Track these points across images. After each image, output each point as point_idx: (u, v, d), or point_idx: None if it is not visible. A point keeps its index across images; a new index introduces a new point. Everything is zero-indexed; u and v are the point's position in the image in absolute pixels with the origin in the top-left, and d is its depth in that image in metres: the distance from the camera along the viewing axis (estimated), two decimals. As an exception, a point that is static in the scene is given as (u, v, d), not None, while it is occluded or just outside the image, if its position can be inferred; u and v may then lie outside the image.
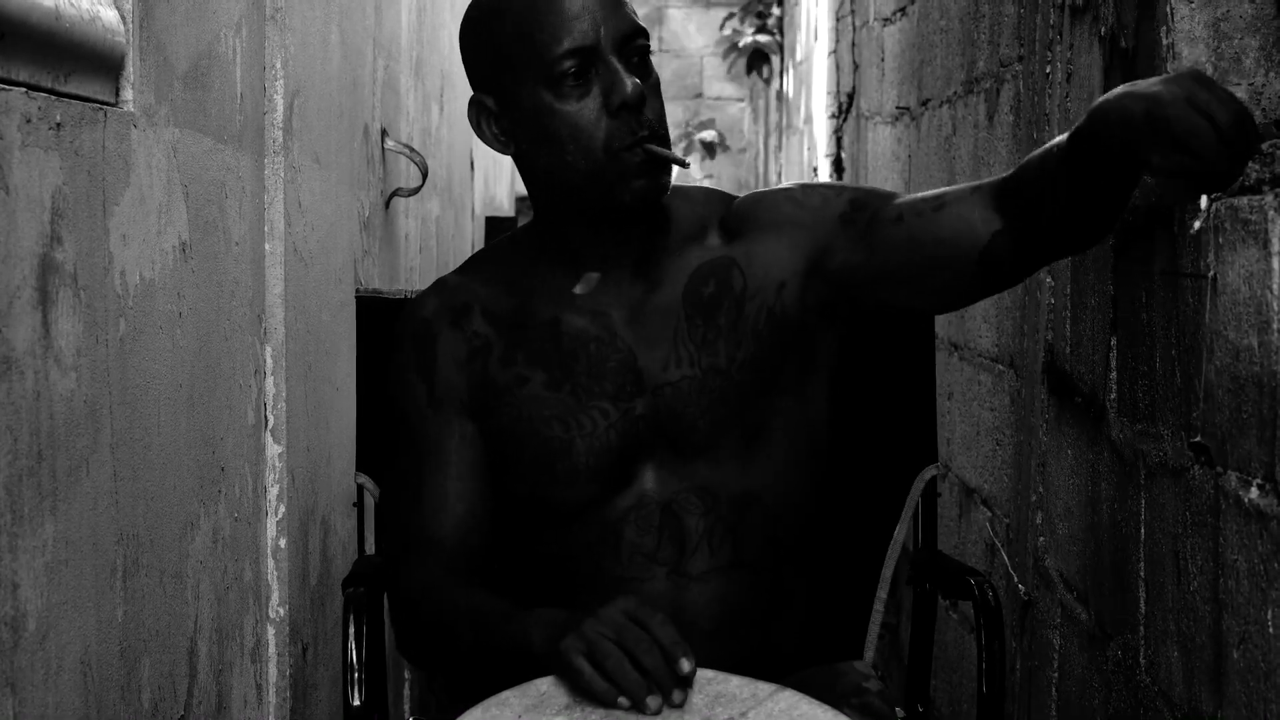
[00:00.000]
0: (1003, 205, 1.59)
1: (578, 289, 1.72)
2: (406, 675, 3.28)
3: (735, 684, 1.52)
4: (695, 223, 1.75)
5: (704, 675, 1.52)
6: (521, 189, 10.04)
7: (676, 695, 1.44)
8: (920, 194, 1.67)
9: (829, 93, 6.29)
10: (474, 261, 1.81)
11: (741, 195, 1.80)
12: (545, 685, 1.52)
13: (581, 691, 1.47)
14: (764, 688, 1.52)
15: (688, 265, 1.72)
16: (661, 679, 1.44)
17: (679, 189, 1.79)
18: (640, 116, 1.63)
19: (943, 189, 1.66)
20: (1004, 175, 1.62)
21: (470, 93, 1.73)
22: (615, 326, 1.71)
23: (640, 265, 1.72)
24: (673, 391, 1.69)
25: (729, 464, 1.69)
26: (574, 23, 1.62)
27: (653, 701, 1.43)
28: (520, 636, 1.55)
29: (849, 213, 1.70)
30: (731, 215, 1.75)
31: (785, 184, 1.78)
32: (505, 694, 1.51)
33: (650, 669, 1.44)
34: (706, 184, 1.78)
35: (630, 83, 1.61)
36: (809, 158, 7.68)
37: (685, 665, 1.45)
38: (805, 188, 1.75)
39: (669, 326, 1.70)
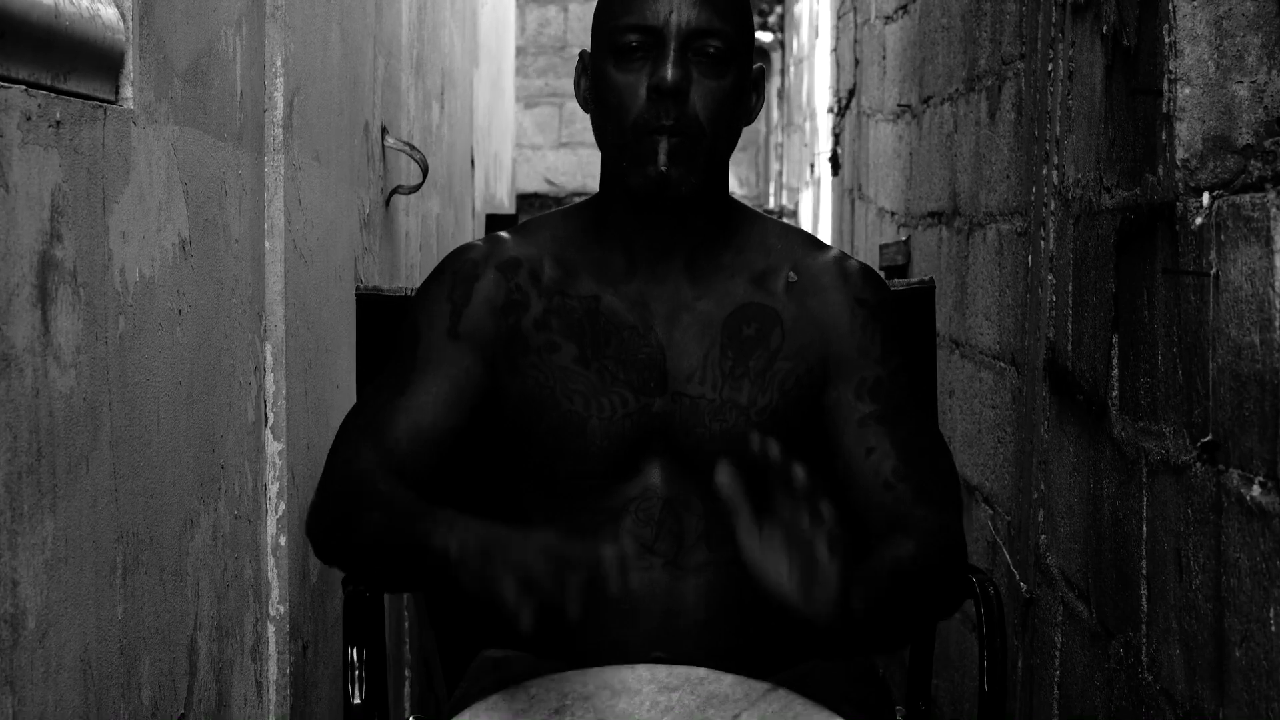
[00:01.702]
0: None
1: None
2: (407, 674, 3.28)
3: (728, 683, 1.51)
4: (763, 254, 1.77)
5: (696, 674, 1.52)
6: (522, 186, 10.05)
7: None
8: (890, 462, 1.69)
9: (829, 90, 6.29)
10: (528, 226, 1.83)
11: (825, 248, 1.80)
12: (535, 688, 1.52)
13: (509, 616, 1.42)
14: (757, 687, 1.51)
15: (737, 294, 1.74)
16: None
17: (760, 216, 1.83)
18: (675, 108, 1.64)
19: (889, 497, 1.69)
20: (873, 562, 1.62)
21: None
22: (652, 321, 1.73)
23: (691, 268, 1.74)
24: (690, 405, 1.70)
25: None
26: (650, 3, 1.66)
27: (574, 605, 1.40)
28: (426, 539, 1.51)
29: (865, 381, 1.73)
30: (804, 269, 1.77)
31: (867, 278, 1.78)
32: (494, 698, 1.52)
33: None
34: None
35: (672, 71, 1.64)
36: (808, 154, 7.68)
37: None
38: (875, 313, 1.75)
39: (703, 343, 1.72)
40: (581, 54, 1.77)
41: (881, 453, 1.69)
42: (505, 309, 1.75)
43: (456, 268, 1.78)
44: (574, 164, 11.21)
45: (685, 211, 1.72)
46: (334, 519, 1.67)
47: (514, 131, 8.91)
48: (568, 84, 10.99)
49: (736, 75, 1.69)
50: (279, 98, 2.38)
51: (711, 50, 1.66)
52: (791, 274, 1.76)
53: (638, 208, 1.71)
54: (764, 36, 10.05)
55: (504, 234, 1.81)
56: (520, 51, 10.34)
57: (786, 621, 1.46)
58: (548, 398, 1.71)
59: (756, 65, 1.75)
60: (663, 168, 1.65)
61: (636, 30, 1.66)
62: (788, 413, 1.71)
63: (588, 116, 1.75)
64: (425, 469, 1.70)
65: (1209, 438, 1.52)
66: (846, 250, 5.34)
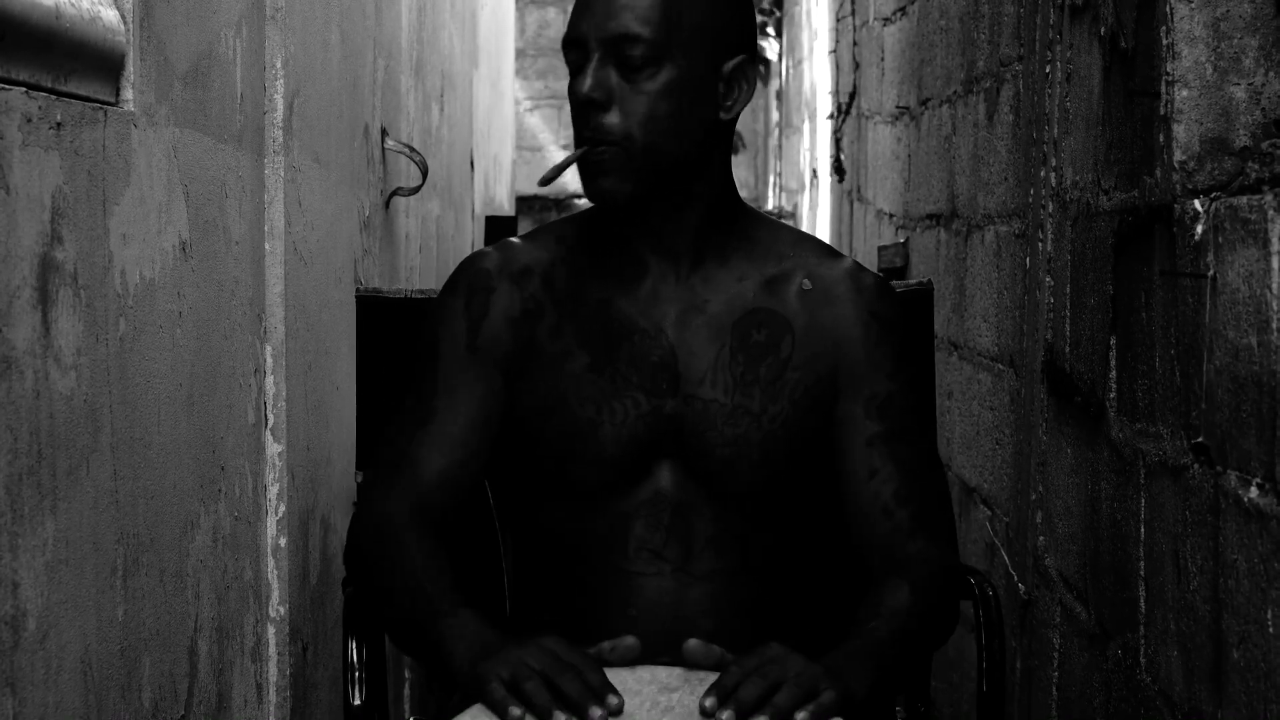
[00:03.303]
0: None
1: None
2: (407, 675, 3.28)
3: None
4: (775, 260, 1.76)
5: (696, 675, 1.52)
6: (521, 189, 10.04)
7: (594, 711, 1.42)
8: (892, 488, 1.70)
9: (829, 93, 6.29)
10: (540, 232, 1.83)
11: (839, 257, 1.80)
12: None
13: (494, 709, 1.45)
14: None
15: (746, 299, 1.73)
16: (581, 703, 1.43)
17: (773, 221, 1.83)
18: (592, 118, 1.65)
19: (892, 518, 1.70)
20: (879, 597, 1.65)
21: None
22: (663, 324, 1.72)
23: (700, 270, 1.73)
24: (702, 408, 1.70)
25: (743, 483, 1.71)
26: (577, 17, 1.68)
27: (559, 716, 1.41)
28: (442, 644, 1.55)
29: (875, 397, 1.72)
30: (818, 278, 1.76)
31: (881, 291, 1.78)
32: None
33: (570, 695, 1.43)
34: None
35: (585, 83, 1.65)
36: (808, 158, 7.68)
37: (612, 701, 1.44)
38: (889, 328, 1.75)
39: (714, 346, 1.71)
40: None
41: (884, 476, 1.70)
42: (521, 320, 1.74)
43: (470, 279, 1.77)
44: (574, 167, 11.21)
45: (659, 218, 1.71)
46: (365, 573, 1.70)
47: (514, 133, 8.91)
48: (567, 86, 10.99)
49: (677, 74, 1.66)
50: (279, 100, 2.38)
51: (634, 56, 1.65)
52: (806, 282, 1.75)
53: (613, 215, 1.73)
54: (761, 40, 10.04)
55: (515, 240, 1.81)
56: (519, 53, 10.34)
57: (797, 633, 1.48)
58: (559, 404, 1.70)
59: (737, 57, 1.71)
60: (592, 178, 1.67)
61: (570, 46, 1.68)
62: (799, 422, 1.71)
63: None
64: (457, 499, 1.72)
65: (1199, 439, 1.52)
66: (845, 252, 5.34)
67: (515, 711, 1.42)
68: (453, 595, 1.60)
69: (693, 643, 1.52)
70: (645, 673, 1.54)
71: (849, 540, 1.72)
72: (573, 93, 1.66)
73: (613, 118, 1.65)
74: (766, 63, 9.91)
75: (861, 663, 1.54)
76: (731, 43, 1.71)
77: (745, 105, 1.74)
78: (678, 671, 1.53)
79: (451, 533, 1.72)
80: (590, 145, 1.66)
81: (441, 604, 1.58)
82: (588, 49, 1.66)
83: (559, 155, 11.32)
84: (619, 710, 1.44)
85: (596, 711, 1.42)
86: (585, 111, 1.65)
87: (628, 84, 1.65)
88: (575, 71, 1.68)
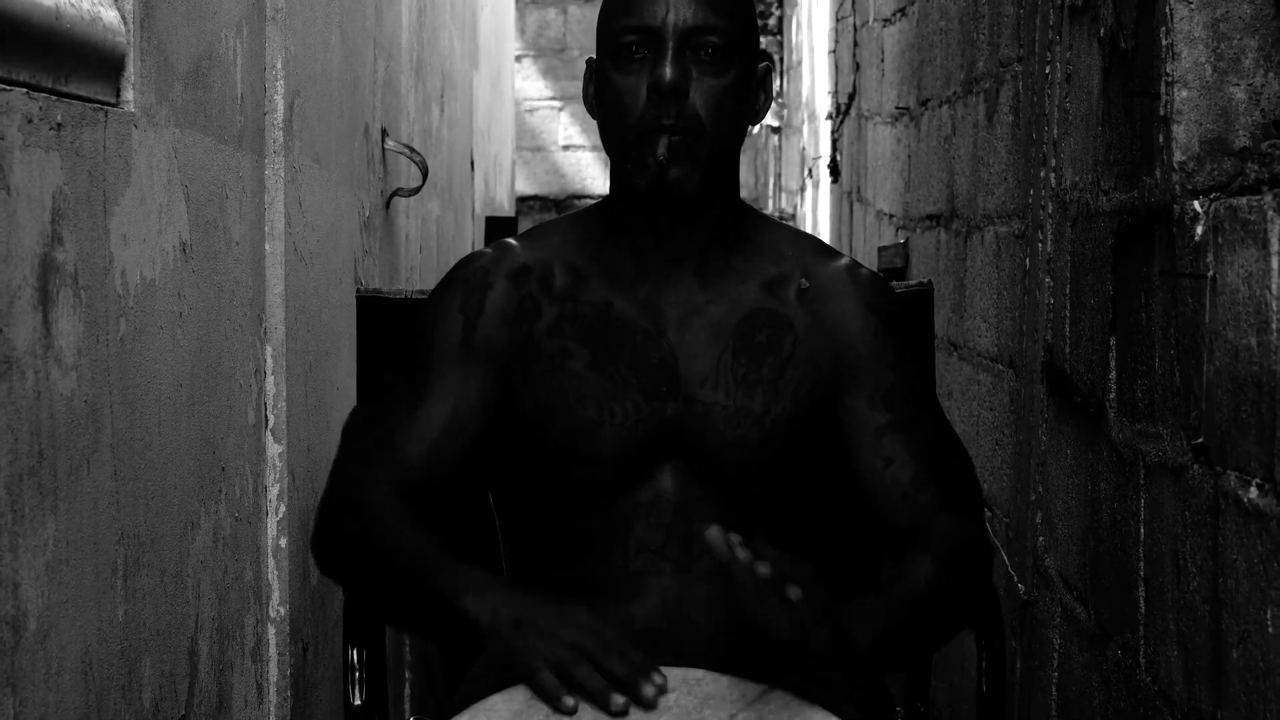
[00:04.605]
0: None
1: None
2: (407, 675, 3.28)
3: (725, 684, 1.52)
4: (775, 260, 1.77)
5: (693, 675, 1.53)
6: (521, 189, 10.04)
7: (648, 689, 1.45)
8: (912, 467, 1.71)
9: (829, 93, 6.30)
10: (535, 232, 1.83)
11: (837, 255, 1.81)
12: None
13: (545, 697, 1.47)
14: (754, 688, 1.52)
15: (748, 299, 1.74)
16: (633, 683, 1.45)
17: (772, 221, 1.84)
18: (674, 106, 1.64)
19: (915, 490, 1.70)
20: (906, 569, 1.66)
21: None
22: (665, 326, 1.72)
23: (702, 272, 1.74)
24: (703, 410, 1.70)
25: (745, 484, 1.71)
26: (650, 6, 1.67)
27: (617, 698, 1.44)
28: (455, 601, 1.53)
29: (879, 389, 1.73)
30: (816, 276, 1.76)
31: (878, 286, 1.79)
32: (493, 699, 1.52)
33: (619, 675, 1.46)
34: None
35: (669, 70, 1.64)
36: (807, 158, 7.68)
37: (658, 679, 1.46)
38: (888, 321, 1.76)
39: (716, 347, 1.72)
40: (588, 61, 1.78)
41: (899, 463, 1.70)
42: (517, 318, 1.74)
43: (467, 276, 1.77)
44: (574, 166, 11.21)
45: (694, 212, 1.71)
46: (344, 547, 1.67)
47: (514, 134, 8.91)
48: (567, 86, 10.99)
49: (738, 73, 1.68)
50: (279, 100, 2.38)
51: (710, 48, 1.66)
52: (803, 280, 1.76)
53: (645, 209, 1.72)
54: (762, 39, 10.04)
55: (512, 241, 1.81)
56: (519, 54, 10.34)
57: (793, 661, 1.49)
58: (560, 404, 1.70)
59: (763, 64, 1.75)
60: (664, 166, 1.65)
61: (635, 31, 1.67)
62: (801, 421, 1.72)
63: (588, 120, 1.76)
64: (438, 489, 1.71)
65: (1199, 439, 1.52)
66: (845, 253, 5.32)
67: (569, 702, 1.44)
68: (449, 555, 1.59)
69: (713, 530, 1.48)
70: (645, 673, 1.54)
71: (877, 530, 1.72)
72: (654, 78, 1.64)
73: (691, 106, 1.65)
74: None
75: (865, 617, 1.54)
76: (757, 50, 1.74)
77: (767, 113, 1.77)
78: (675, 672, 1.53)
79: (434, 522, 1.71)
80: (669, 133, 1.65)
81: (440, 562, 1.58)
82: (661, 37, 1.66)
83: (559, 155, 11.31)
84: (665, 685, 1.46)
85: (649, 689, 1.44)
86: (668, 98, 1.65)
87: (702, 76, 1.66)
88: (630, 59, 1.66)
